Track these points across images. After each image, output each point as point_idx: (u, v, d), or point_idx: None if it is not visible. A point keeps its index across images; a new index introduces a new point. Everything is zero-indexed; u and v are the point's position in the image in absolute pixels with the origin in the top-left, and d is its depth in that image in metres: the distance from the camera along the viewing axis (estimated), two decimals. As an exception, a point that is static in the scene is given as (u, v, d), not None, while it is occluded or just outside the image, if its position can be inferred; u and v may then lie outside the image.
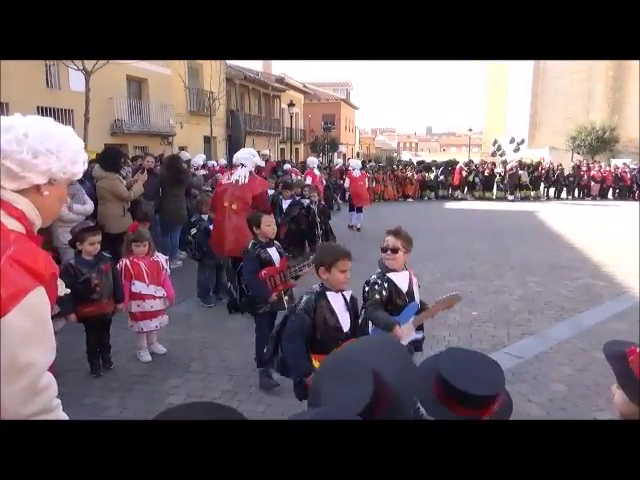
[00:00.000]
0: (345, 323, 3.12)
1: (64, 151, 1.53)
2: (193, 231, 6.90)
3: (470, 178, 23.21)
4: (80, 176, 1.66)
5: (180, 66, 22.33)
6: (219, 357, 5.07)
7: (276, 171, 16.54)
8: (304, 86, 44.31)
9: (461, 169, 23.26)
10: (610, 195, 24.13)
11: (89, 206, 6.81)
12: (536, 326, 5.99)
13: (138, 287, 4.86)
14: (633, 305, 6.63)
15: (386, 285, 3.48)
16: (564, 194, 23.95)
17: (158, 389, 4.39)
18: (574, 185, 23.97)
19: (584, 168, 24.43)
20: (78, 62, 12.42)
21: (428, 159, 31.78)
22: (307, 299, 3.12)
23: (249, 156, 6.25)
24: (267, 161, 16.76)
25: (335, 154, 45.15)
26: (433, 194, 23.09)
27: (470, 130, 51.93)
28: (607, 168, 25.10)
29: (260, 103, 34.27)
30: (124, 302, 4.78)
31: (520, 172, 22.70)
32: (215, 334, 5.72)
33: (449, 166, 23.96)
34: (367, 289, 3.56)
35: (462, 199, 22.90)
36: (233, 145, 26.23)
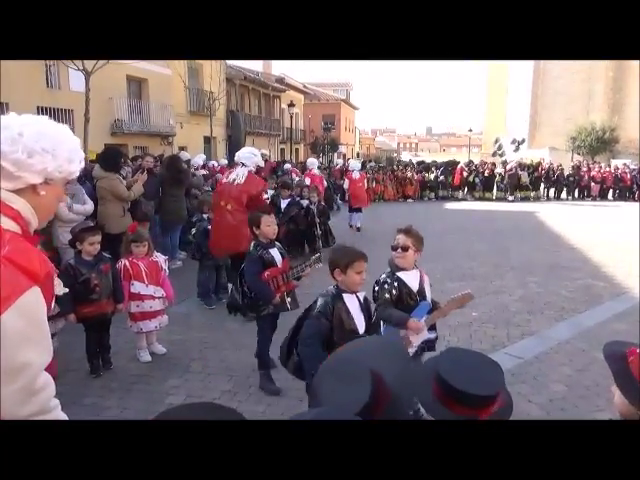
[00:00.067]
0: (360, 325, 3.09)
1: (60, 150, 1.52)
2: (193, 231, 6.92)
3: (470, 178, 23.20)
4: (77, 175, 1.65)
5: (180, 66, 22.34)
6: (219, 357, 5.07)
7: (276, 171, 16.54)
8: (304, 86, 44.32)
9: (462, 169, 23.25)
10: (610, 196, 24.13)
11: (89, 206, 6.81)
12: (536, 326, 5.99)
13: (137, 287, 4.86)
14: (633, 305, 6.63)
15: (396, 284, 3.45)
16: (564, 194, 23.95)
17: (158, 389, 4.38)
18: (574, 186, 23.98)
19: (584, 169, 24.44)
20: (78, 62, 12.43)
21: (428, 159, 31.79)
22: (324, 302, 3.06)
23: (250, 155, 6.21)
24: (266, 161, 16.75)
25: (335, 154, 45.15)
26: (433, 194, 23.09)
27: (470, 130, 51.96)
28: (607, 169, 25.10)
29: (260, 103, 34.28)
30: (124, 302, 4.78)
31: (520, 172, 22.70)
32: (215, 334, 5.71)
33: (449, 166, 23.96)
34: (377, 289, 3.53)
35: (462, 199, 22.89)
36: (233, 145, 26.27)
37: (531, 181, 23.02)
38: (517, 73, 53.40)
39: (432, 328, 3.53)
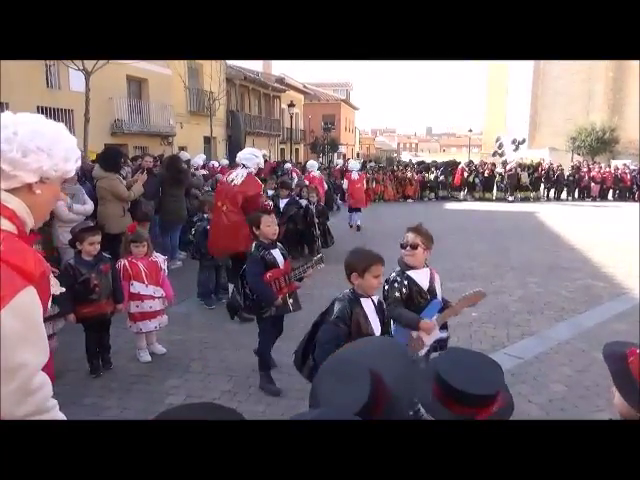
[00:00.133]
0: (377, 329, 3.05)
1: (56, 149, 1.50)
2: (193, 231, 6.94)
3: (470, 179, 23.20)
4: (73, 174, 1.64)
5: (180, 66, 22.34)
6: (219, 357, 5.07)
7: (276, 171, 16.54)
8: (304, 86, 44.33)
9: (463, 170, 23.23)
10: (610, 196, 24.13)
11: (89, 206, 6.81)
12: (536, 327, 5.99)
13: (137, 288, 4.86)
14: (633, 306, 6.63)
15: (406, 282, 3.43)
16: (564, 195, 23.95)
17: (158, 389, 4.38)
18: (574, 186, 23.98)
19: (584, 169, 24.44)
20: (78, 62, 12.44)
21: (428, 159, 31.78)
22: (342, 307, 3.01)
23: (251, 157, 6.16)
24: (266, 161, 16.77)
25: (335, 154, 45.16)
26: (433, 195, 23.08)
27: (470, 131, 52.01)
28: (607, 169, 25.10)
29: (260, 103, 34.29)
30: (123, 303, 4.77)
31: (520, 173, 22.70)
32: (215, 334, 5.71)
33: (449, 167, 23.96)
34: (387, 287, 3.51)
35: (463, 200, 22.88)
36: (233, 145, 26.30)
37: (531, 181, 23.02)
38: (517, 73, 53.43)
39: (444, 327, 3.49)
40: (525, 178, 22.79)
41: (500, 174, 23.04)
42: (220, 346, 5.36)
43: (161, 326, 5.08)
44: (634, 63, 41.53)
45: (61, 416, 1.54)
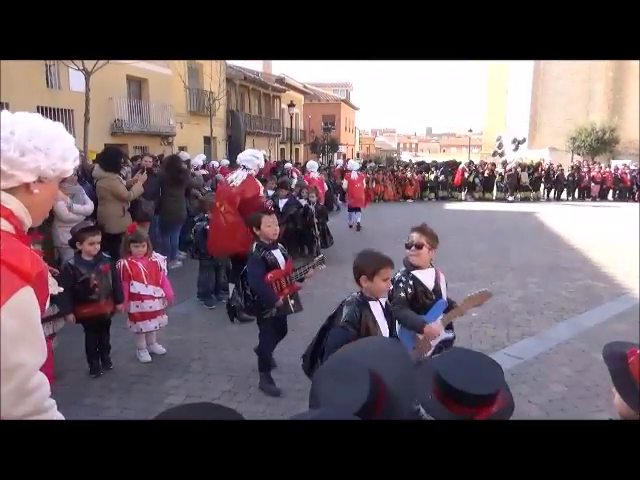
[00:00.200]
0: (385, 331, 3.02)
1: (53, 148, 1.50)
2: (193, 231, 6.95)
3: (470, 179, 23.20)
4: (71, 173, 1.63)
5: (180, 66, 22.34)
6: (219, 357, 5.07)
7: (276, 171, 16.55)
8: (304, 86, 44.33)
9: (463, 170, 23.21)
10: (610, 196, 24.13)
11: (89, 206, 6.82)
12: (536, 327, 5.99)
13: (137, 288, 4.86)
14: (633, 306, 6.63)
15: (411, 283, 3.40)
16: (564, 195, 23.96)
17: (158, 389, 4.38)
18: (574, 186, 23.98)
19: (584, 169, 24.44)
20: (78, 62, 12.43)
21: (428, 160, 31.79)
22: (350, 310, 2.95)
23: (251, 158, 6.12)
24: (266, 161, 16.77)
25: (335, 154, 45.16)
26: (433, 195, 23.08)
27: (470, 131, 51.99)
28: (607, 169, 25.10)
29: (260, 103, 34.29)
30: (123, 303, 4.77)
31: (520, 173, 22.71)
32: (215, 334, 5.71)
33: (449, 167, 23.96)
34: (392, 287, 3.46)
35: (463, 200, 22.86)
36: (233, 145, 26.30)
37: (531, 181, 23.02)
38: (517, 73, 53.44)
39: (449, 327, 3.48)
40: (525, 178, 22.80)
41: (500, 174, 23.05)
42: (220, 346, 5.36)
43: (161, 326, 5.08)
44: (634, 63, 41.52)
45: (59, 416, 1.53)
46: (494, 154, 38.25)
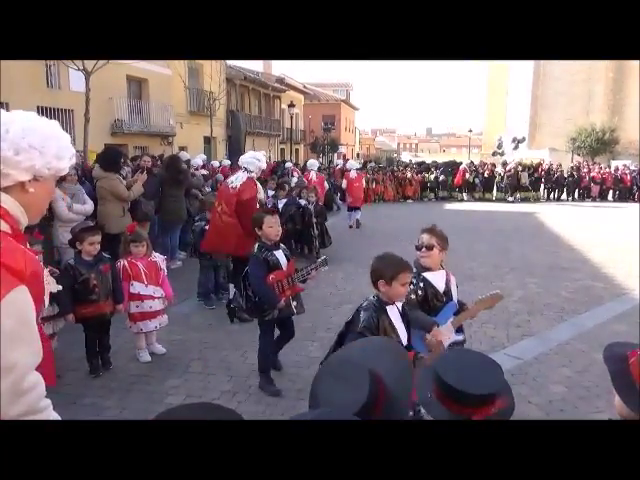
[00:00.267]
0: (403, 335, 2.96)
1: (48, 146, 1.49)
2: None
3: (470, 179, 23.20)
4: (67, 172, 1.62)
5: (180, 66, 22.35)
6: (219, 357, 5.07)
7: (276, 171, 16.57)
8: (304, 87, 44.35)
9: (465, 170, 23.18)
10: (610, 196, 24.14)
11: (89, 206, 6.82)
12: (536, 327, 5.99)
13: (137, 288, 4.86)
14: (633, 306, 6.63)
15: (421, 285, 3.37)
16: (564, 195, 23.96)
17: (157, 389, 4.38)
18: (574, 186, 23.98)
19: (584, 169, 24.44)
20: (78, 62, 12.44)
21: (428, 160, 31.79)
22: (368, 316, 2.89)
23: (253, 160, 6.09)
24: (266, 162, 16.77)
25: (335, 155, 45.17)
26: (433, 195, 23.08)
27: (470, 131, 52.09)
28: (607, 169, 25.10)
29: (260, 103, 34.30)
30: (123, 303, 4.77)
31: (520, 173, 22.71)
32: (215, 334, 5.71)
33: (449, 167, 23.95)
34: None
35: (466, 200, 22.83)
36: (233, 145, 26.30)
37: (531, 182, 23.02)
38: (517, 74, 53.46)
39: (459, 330, 3.44)
40: (525, 178, 22.79)
41: (500, 174, 23.04)
42: (220, 346, 5.36)
43: (161, 326, 5.08)
44: (634, 63, 41.54)
45: (55, 416, 1.53)
46: (494, 154, 38.26)
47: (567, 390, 4.39)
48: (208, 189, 10.57)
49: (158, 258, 5.11)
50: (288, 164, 18.77)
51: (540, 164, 24.18)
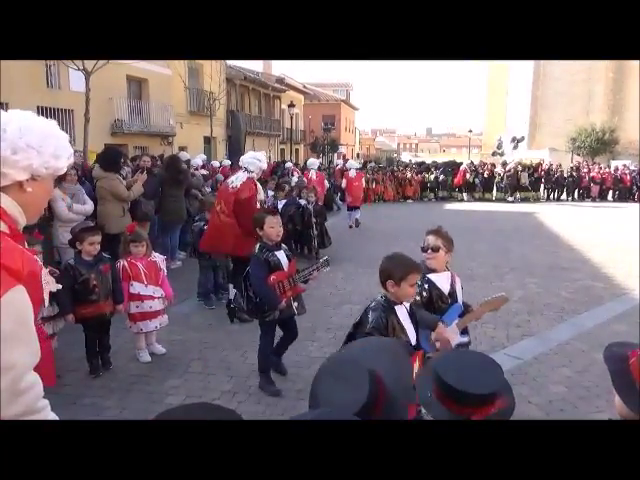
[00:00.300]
0: (412, 335, 2.93)
1: (45, 146, 1.49)
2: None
3: (470, 179, 23.19)
4: (65, 171, 1.62)
5: (180, 66, 22.35)
6: (219, 357, 5.07)
7: (276, 172, 16.57)
8: (304, 87, 44.35)
9: (465, 171, 23.17)
10: (610, 197, 24.14)
11: (89, 206, 6.82)
12: (536, 327, 5.99)
13: (137, 288, 4.86)
14: (633, 306, 6.63)
15: (426, 286, 3.34)
16: (564, 195, 23.96)
17: (157, 389, 4.38)
18: (574, 186, 23.99)
19: (584, 170, 24.45)
20: (78, 62, 12.43)
21: (428, 160, 31.80)
22: (376, 317, 2.84)
23: (253, 161, 6.08)
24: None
25: (335, 155, 45.18)
26: (432, 195, 23.08)
27: (470, 131, 52.09)
28: (607, 170, 25.10)
29: (260, 103, 34.30)
30: (123, 303, 4.77)
31: (520, 173, 22.71)
32: (215, 334, 5.71)
33: (449, 167, 23.95)
34: None
35: (466, 200, 22.82)
36: (233, 145, 26.31)
37: (531, 182, 23.02)
38: (517, 74, 53.46)
39: (465, 332, 3.41)
40: (525, 179, 22.80)
41: (500, 174, 23.04)
42: (220, 346, 5.36)
43: (162, 326, 5.08)
44: (634, 63, 41.54)
45: (53, 416, 1.52)
46: (494, 154, 38.29)
47: (567, 390, 4.39)
48: (208, 189, 10.57)
49: (158, 258, 5.11)
50: (288, 164, 18.79)
51: (540, 164, 24.18)
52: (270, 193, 10.73)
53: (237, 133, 27.26)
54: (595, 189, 23.72)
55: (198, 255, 6.70)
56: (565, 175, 24.04)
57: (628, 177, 23.75)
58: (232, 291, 6.13)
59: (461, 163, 25.01)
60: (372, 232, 12.95)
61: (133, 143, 20.07)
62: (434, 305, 3.36)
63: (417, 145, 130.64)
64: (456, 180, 22.96)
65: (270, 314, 4.21)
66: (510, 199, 22.41)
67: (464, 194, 23.14)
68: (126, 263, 4.86)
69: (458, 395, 1.44)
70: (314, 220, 9.56)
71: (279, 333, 4.56)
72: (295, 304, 4.32)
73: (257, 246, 4.30)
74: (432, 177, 23.28)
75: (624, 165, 26.05)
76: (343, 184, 15.11)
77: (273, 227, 4.29)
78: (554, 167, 24.33)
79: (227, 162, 16.21)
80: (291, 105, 29.53)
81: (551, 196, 24.02)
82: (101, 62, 12.27)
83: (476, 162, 26.31)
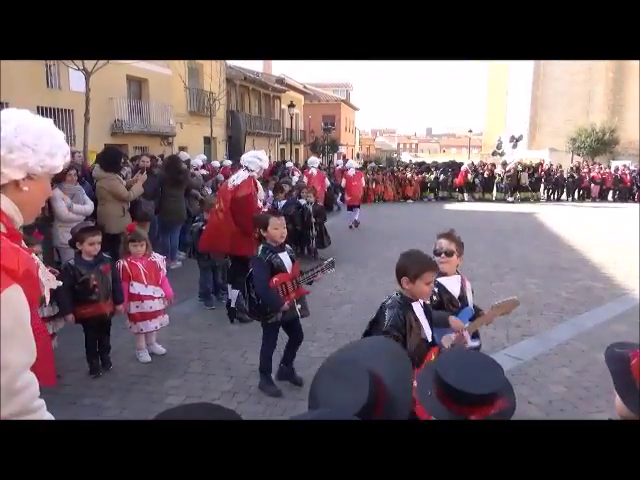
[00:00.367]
0: (428, 332, 2.89)
1: (41, 144, 1.48)
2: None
3: (470, 179, 23.19)
4: (61, 169, 1.61)
5: (180, 66, 22.35)
6: (219, 357, 5.06)
7: (276, 172, 16.57)
8: (304, 87, 44.34)
9: (466, 171, 23.16)
10: (610, 197, 24.14)
11: (89, 206, 6.82)
12: (536, 328, 5.99)
13: (136, 288, 4.85)
14: (633, 307, 6.63)
15: (436, 290, 3.29)
16: (564, 196, 23.96)
17: (157, 389, 4.38)
18: (574, 187, 23.98)
19: (584, 170, 24.44)
20: (78, 62, 12.43)
21: (428, 160, 31.80)
22: (394, 314, 2.80)
23: (254, 160, 6.06)
24: (267, 162, 16.74)
25: (335, 155, 45.18)
26: (433, 195, 23.08)
27: (470, 131, 52.10)
28: (607, 170, 25.10)
29: (260, 104, 34.29)
30: (123, 303, 4.77)
31: (520, 173, 22.71)
32: (215, 334, 5.71)
33: (449, 167, 23.95)
34: None
35: (466, 201, 22.81)
36: (233, 146, 26.31)
37: (531, 182, 23.02)
38: (517, 74, 53.45)
39: (475, 336, 3.39)
40: (525, 179, 22.80)
41: (500, 175, 23.04)
42: (220, 346, 5.35)
43: (162, 326, 5.07)
44: (634, 63, 41.54)
45: (48, 416, 1.52)
46: (494, 154, 38.27)
47: (567, 390, 4.39)
48: (208, 189, 10.56)
49: (158, 258, 5.11)
50: (289, 164, 18.79)
51: (540, 164, 24.17)
52: (270, 193, 10.73)
53: (237, 133, 27.27)
54: (595, 189, 23.72)
55: (197, 256, 6.70)
56: (565, 175, 24.04)
57: (628, 177, 23.76)
58: (231, 291, 6.13)
59: (461, 163, 25.02)
60: (372, 232, 12.95)
61: (133, 143, 20.07)
62: (444, 309, 3.33)
63: (417, 145, 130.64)
64: (457, 180, 22.95)
65: (272, 316, 4.18)
66: (510, 199, 22.40)
67: (464, 194, 23.13)
68: (126, 263, 4.85)
69: (457, 395, 1.44)
70: (313, 220, 9.56)
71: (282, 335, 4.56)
72: (298, 306, 4.27)
73: (260, 247, 4.27)
74: (432, 177, 23.28)
75: (624, 165, 26.06)
76: (343, 183, 15.14)
77: (277, 228, 4.25)
78: (554, 167, 24.33)
79: (228, 162, 16.19)
80: (291, 105, 29.53)
81: (551, 196, 24.01)
82: (101, 62, 12.27)
83: (476, 162, 26.32)
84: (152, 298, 4.91)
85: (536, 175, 23.27)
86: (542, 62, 46.88)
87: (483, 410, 1.45)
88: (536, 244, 11.63)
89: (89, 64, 12.44)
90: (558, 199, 23.80)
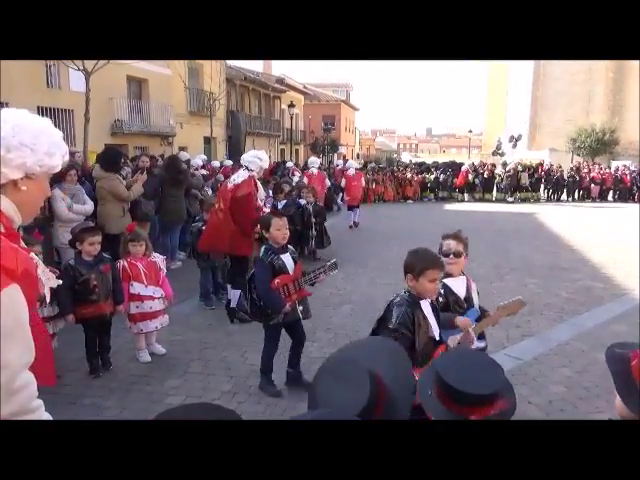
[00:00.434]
0: (436, 330, 2.87)
1: (39, 144, 1.48)
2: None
3: (470, 179, 23.18)
4: (59, 169, 1.61)
5: (180, 66, 22.34)
6: (219, 358, 5.06)
7: (275, 172, 16.57)
8: (304, 87, 44.34)
9: (467, 172, 23.14)
10: (610, 197, 24.14)
11: (89, 206, 6.82)
12: (536, 328, 5.99)
13: (136, 288, 4.85)
14: (633, 307, 6.63)
15: (442, 291, 3.29)
16: (564, 196, 23.96)
17: (157, 389, 4.38)
18: (574, 187, 23.98)
19: (584, 170, 24.44)
20: (78, 62, 12.43)
21: (428, 160, 31.81)
22: (402, 312, 2.78)
23: (254, 159, 6.06)
24: (267, 162, 16.74)
25: (335, 155, 45.17)
26: (433, 195, 23.08)
27: (470, 132, 52.13)
28: (607, 170, 25.10)
29: (260, 104, 34.29)
30: (123, 304, 4.77)
31: (520, 174, 22.71)
32: (215, 335, 5.71)
33: (449, 167, 23.94)
34: None
35: (466, 201, 22.81)
36: (233, 146, 26.31)
37: (531, 183, 23.02)
38: (517, 74, 53.45)
39: (481, 337, 3.35)
40: (525, 179, 22.80)
41: (500, 175, 23.04)
42: (220, 346, 5.35)
43: (162, 326, 5.07)
44: (634, 63, 41.54)
45: (47, 416, 1.52)
46: (494, 154, 38.27)
47: (567, 390, 4.39)
48: (208, 189, 10.56)
49: (158, 258, 5.11)
50: (289, 164, 18.79)
51: (540, 165, 24.17)
52: (271, 193, 10.72)
53: (237, 133, 27.27)
54: (595, 189, 23.73)
55: (197, 256, 6.69)
56: (565, 176, 24.04)
57: (628, 177, 23.76)
58: (230, 291, 6.13)
59: (462, 164, 25.00)
60: (372, 232, 12.95)
61: (133, 143, 20.06)
62: (451, 310, 3.31)
63: (417, 145, 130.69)
64: (458, 180, 22.94)
65: (274, 318, 4.16)
66: (510, 199, 22.40)
67: (464, 194, 23.13)
68: (126, 263, 4.85)
69: (458, 395, 1.44)
70: (313, 220, 9.56)
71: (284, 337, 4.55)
72: (300, 308, 4.25)
73: (262, 249, 4.25)
74: (432, 177, 23.28)
75: (624, 165, 26.06)
76: (343, 183, 15.16)
77: (279, 229, 4.23)
78: (554, 168, 24.33)
79: (228, 162, 16.18)
80: (291, 105, 29.53)
81: (551, 197, 24.01)
82: (101, 62, 12.26)
83: (476, 162, 26.31)
84: (152, 298, 4.91)
85: (536, 175, 23.27)
86: (542, 62, 46.86)
87: (483, 410, 1.45)
88: (536, 244, 11.63)
89: (89, 64, 12.44)
90: (558, 199, 23.80)
